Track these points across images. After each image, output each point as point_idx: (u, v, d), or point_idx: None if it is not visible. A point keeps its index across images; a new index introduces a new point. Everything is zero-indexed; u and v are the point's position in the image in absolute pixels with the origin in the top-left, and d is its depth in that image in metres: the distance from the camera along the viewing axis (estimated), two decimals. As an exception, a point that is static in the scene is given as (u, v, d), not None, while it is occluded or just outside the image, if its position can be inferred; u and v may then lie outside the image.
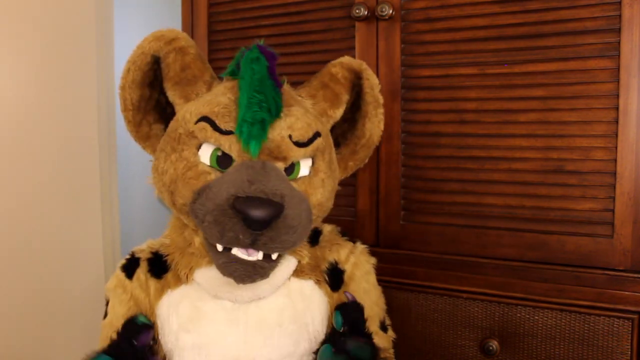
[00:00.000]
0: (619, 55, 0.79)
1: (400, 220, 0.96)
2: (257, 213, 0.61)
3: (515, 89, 0.86)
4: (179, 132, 0.71)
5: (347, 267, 0.79)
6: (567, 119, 0.83)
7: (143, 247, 0.81)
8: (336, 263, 0.78)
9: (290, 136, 0.68)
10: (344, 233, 0.84)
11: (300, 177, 0.71)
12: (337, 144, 0.84)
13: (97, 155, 1.59)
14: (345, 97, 0.80)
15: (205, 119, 0.68)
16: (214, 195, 0.65)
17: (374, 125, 0.82)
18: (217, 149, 0.69)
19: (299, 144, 0.69)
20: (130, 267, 0.78)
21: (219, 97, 0.70)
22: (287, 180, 0.68)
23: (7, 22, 1.37)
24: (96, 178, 1.59)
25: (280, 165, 0.69)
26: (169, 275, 0.76)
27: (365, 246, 0.83)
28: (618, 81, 0.80)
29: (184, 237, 0.76)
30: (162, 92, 0.77)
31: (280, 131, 0.68)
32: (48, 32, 1.45)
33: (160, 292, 0.76)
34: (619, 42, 0.79)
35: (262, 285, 0.72)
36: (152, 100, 0.78)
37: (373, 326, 0.79)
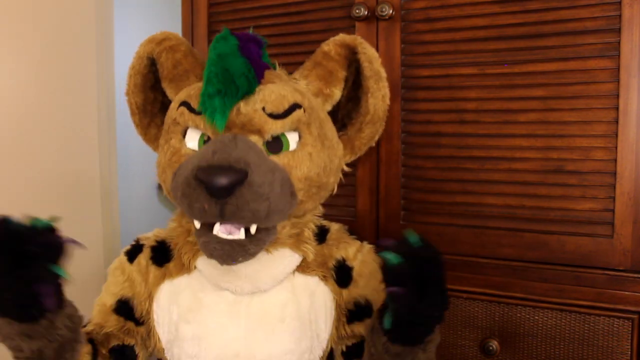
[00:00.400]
0: (619, 55, 0.79)
1: (400, 220, 0.96)
2: (218, 180, 0.61)
3: (515, 89, 0.86)
4: (168, 123, 0.73)
5: (355, 264, 0.78)
6: (567, 119, 0.83)
7: (149, 235, 0.82)
8: (344, 260, 0.78)
9: (263, 108, 0.68)
10: (351, 232, 0.84)
11: (284, 152, 0.70)
12: (344, 125, 0.82)
13: (97, 154, 1.59)
14: (341, 74, 0.78)
15: (183, 103, 0.70)
16: (182, 170, 0.66)
17: (377, 100, 0.78)
18: (204, 134, 0.70)
19: (274, 116, 0.68)
20: (133, 252, 0.80)
21: (198, 83, 0.72)
22: (260, 151, 0.67)
23: (7, 22, 1.37)
24: (96, 177, 1.59)
25: (257, 139, 0.68)
26: (171, 265, 0.77)
27: (372, 246, 0.82)
28: (618, 81, 0.80)
29: (185, 224, 0.77)
30: (165, 94, 0.79)
31: (254, 105, 0.68)
32: (48, 32, 1.45)
33: (160, 280, 0.77)
34: (619, 42, 0.79)
35: (262, 278, 0.72)
36: (157, 102, 0.81)
37: None
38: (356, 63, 0.78)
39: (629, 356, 0.81)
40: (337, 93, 0.79)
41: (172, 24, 1.61)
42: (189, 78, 0.77)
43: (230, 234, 0.65)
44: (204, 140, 0.70)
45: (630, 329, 0.81)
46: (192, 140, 0.70)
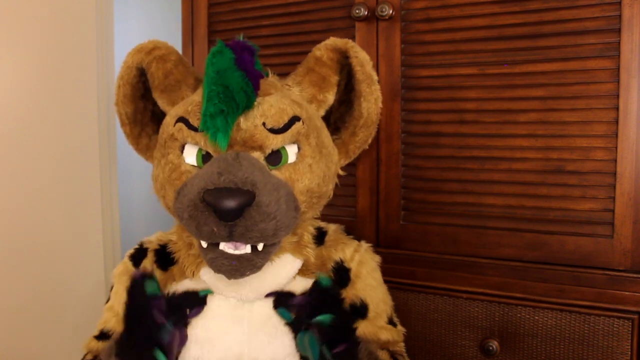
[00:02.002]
0: (619, 56, 0.79)
1: (400, 220, 0.96)
2: (226, 203, 0.61)
3: (515, 89, 0.86)
4: (164, 137, 0.72)
5: (353, 265, 0.78)
6: (567, 119, 0.83)
7: (152, 239, 0.82)
8: (342, 261, 0.78)
9: (264, 124, 0.67)
10: (348, 232, 0.83)
11: (284, 165, 0.70)
12: (337, 129, 0.82)
13: (97, 155, 1.59)
14: (334, 79, 0.78)
15: (181, 119, 0.69)
16: (187, 191, 0.65)
17: (370, 103, 0.78)
18: (201, 148, 0.69)
19: (274, 131, 0.68)
20: (137, 257, 0.80)
21: (194, 97, 0.71)
22: (264, 168, 0.67)
23: (7, 22, 1.37)
24: (96, 178, 1.59)
25: (258, 155, 0.68)
26: (175, 268, 0.77)
27: (369, 245, 0.82)
28: (618, 81, 0.80)
29: (185, 238, 0.77)
30: (156, 103, 0.78)
31: (254, 120, 0.67)
32: (48, 32, 1.45)
33: (166, 284, 0.77)
34: (619, 42, 0.79)
35: (265, 285, 0.72)
36: (147, 112, 0.80)
37: (381, 322, 0.79)
38: (348, 67, 0.78)
39: (629, 356, 0.81)
40: (331, 98, 0.78)
41: (172, 24, 1.62)
42: (181, 88, 0.76)
43: (236, 249, 0.66)
44: (202, 155, 0.69)
45: (630, 329, 0.80)
46: (190, 156, 0.70)
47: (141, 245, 0.81)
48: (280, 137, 0.68)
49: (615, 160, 0.81)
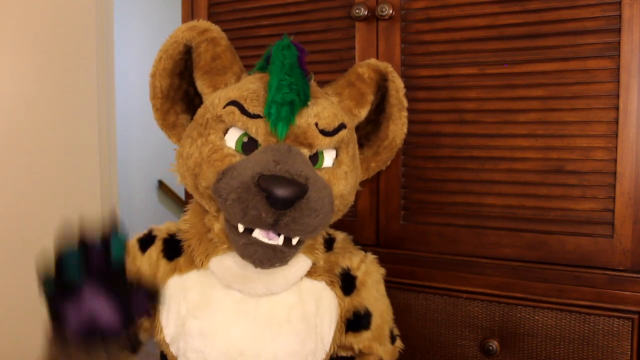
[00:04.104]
0: (619, 55, 0.79)
1: (400, 220, 0.96)
2: (282, 191, 0.62)
3: (515, 89, 0.86)
4: (207, 117, 0.72)
5: (359, 274, 0.79)
6: (567, 119, 0.83)
7: (161, 227, 0.82)
8: (349, 269, 0.79)
9: (316, 124, 0.69)
10: (355, 242, 0.85)
11: (324, 167, 0.72)
12: (361, 145, 0.84)
13: (97, 155, 1.59)
14: (370, 97, 0.81)
15: (233, 102, 0.70)
16: (238, 174, 0.66)
17: (397, 127, 0.83)
18: (244, 134, 0.70)
19: (324, 133, 0.70)
20: (145, 243, 0.80)
21: (248, 84, 0.72)
22: (312, 166, 0.69)
23: (7, 22, 1.37)
24: (96, 178, 1.59)
25: (305, 152, 0.69)
26: (181, 260, 0.77)
27: (375, 256, 0.83)
28: (618, 81, 0.80)
29: (204, 222, 0.76)
30: (191, 83, 0.79)
31: (307, 118, 0.69)
32: (48, 33, 1.45)
33: (168, 275, 0.77)
34: (619, 42, 0.79)
35: (276, 281, 0.73)
36: (180, 90, 0.80)
37: (383, 334, 0.80)
38: (383, 89, 0.82)
39: (629, 356, 0.81)
40: (364, 114, 0.81)
41: (172, 24, 1.61)
42: (226, 74, 0.76)
43: (270, 239, 0.66)
44: (243, 142, 0.70)
45: (630, 329, 0.81)
46: (231, 140, 0.70)
47: (150, 232, 0.82)
48: (328, 139, 0.70)
49: (615, 160, 0.81)
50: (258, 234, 0.66)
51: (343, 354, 0.79)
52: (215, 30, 0.77)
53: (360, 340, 0.78)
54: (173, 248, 0.78)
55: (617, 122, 0.80)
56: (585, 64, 0.82)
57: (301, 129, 0.68)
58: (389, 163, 0.87)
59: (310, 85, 0.73)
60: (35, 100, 1.43)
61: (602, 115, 0.81)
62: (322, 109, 0.71)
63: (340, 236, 0.83)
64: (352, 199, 0.77)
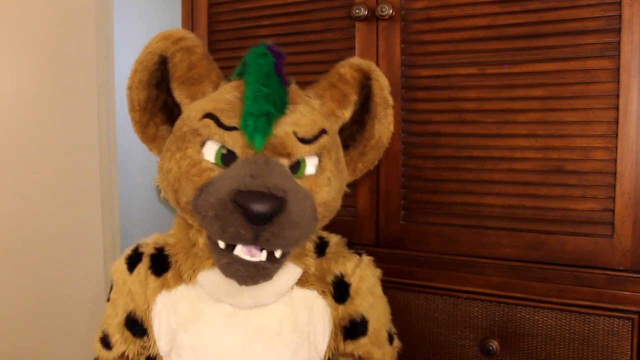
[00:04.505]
0: (619, 55, 0.79)
1: (400, 220, 0.96)
2: (259, 207, 0.60)
3: (515, 89, 0.86)
4: (184, 131, 0.71)
5: (354, 281, 0.78)
6: (567, 119, 0.83)
7: (149, 241, 0.81)
8: (342, 276, 0.77)
9: (295, 132, 0.68)
10: (350, 244, 0.83)
11: (306, 175, 0.70)
12: (346, 146, 0.82)
13: (97, 155, 1.59)
14: (353, 98, 0.79)
15: (209, 115, 0.68)
16: (215, 190, 0.64)
17: (383, 126, 0.80)
18: (222, 146, 0.68)
19: (304, 141, 0.68)
20: (132, 261, 0.79)
21: (224, 95, 0.70)
22: (291, 177, 0.67)
23: (7, 22, 1.37)
24: (96, 178, 1.59)
25: (285, 162, 0.68)
26: (169, 275, 0.76)
27: (371, 258, 0.81)
28: (618, 81, 0.80)
29: (189, 237, 0.75)
30: (169, 94, 0.77)
31: (285, 127, 0.67)
32: (48, 33, 1.45)
33: (157, 290, 0.76)
34: (619, 42, 0.79)
35: (265, 292, 0.71)
36: (159, 101, 0.78)
37: (381, 337, 0.79)
38: (367, 88, 0.79)
39: (629, 356, 0.81)
40: (347, 115, 0.79)
41: (172, 24, 1.61)
42: (203, 83, 0.74)
43: (253, 256, 0.65)
44: (222, 154, 0.68)
45: (630, 329, 0.81)
46: (210, 153, 0.68)
47: (137, 248, 0.80)
48: (307, 147, 0.68)
49: (615, 160, 0.81)
50: (240, 251, 0.65)
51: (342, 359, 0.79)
52: (191, 38, 0.74)
53: (359, 347, 0.78)
54: (161, 263, 0.77)
55: (617, 122, 0.80)
56: (585, 64, 0.82)
57: (279, 138, 0.67)
58: (376, 163, 0.84)
59: (289, 91, 0.71)
60: (35, 100, 1.43)
61: (602, 115, 0.81)
62: (301, 116, 0.69)
63: (334, 239, 0.81)
64: (337, 204, 0.75)
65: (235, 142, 0.67)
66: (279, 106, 0.67)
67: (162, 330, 0.75)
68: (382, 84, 0.78)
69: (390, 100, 0.80)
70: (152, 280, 0.77)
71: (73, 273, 1.54)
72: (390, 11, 0.92)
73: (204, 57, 0.75)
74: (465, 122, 0.90)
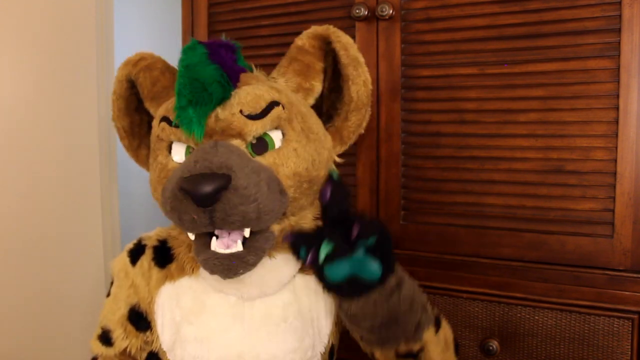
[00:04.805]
0: (619, 55, 0.79)
1: (400, 220, 0.96)
2: (200, 188, 0.60)
3: (515, 89, 0.86)
4: (153, 140, 0.74)
5: None
6: (567, 119, 0.83)
7: (151, 234, 0.82)
8: None
9: (241, 111, 0.67)
10: None
11: (269, 151, 0.69)
12: (331, 117, 0.81)
13: (97, 155, 1.59)
14: (318, 66, 0.77)
15: (163, 118, 0.71)
16: (169, 184, 0.66)
17: (358, 86, 0.76)
18: (188, 146, 0.70)
19: (252, 117, 0.68)
20: (135, 254, 0.80)
21: (174, 96, 0.72)
22: (243, 154, 0.67)
23: (7, 22, 1.37)
24: (96, 178, 1.59)
25: (239, 143, 0.68)
26: (173, 266, 0.77)
27: None
28: (618, 81, 0.80)
29: (185, 238, 0.77)
30: (150, 114, 0.80)
31: (231, 109, 0.67)
32: (48, 33, 1.45)
33: (161, 282, 0.76)
34: (619, 42, 0.79)
35: (269, 282, 0.72)
36: (144, 124, 0.83)
37: None
38: (332, 52, 0.77)
39: (629, 356, 0.81)
40: (318, 86, 0.78)
41: (172, 24, 1.62)
42: (169, 94, 0.76)
43: (228, 247, 0.65)
44: (190, 152, 0.70)
45: (630, 329, 0.81)
46: (178, 154, 0.70)
47: (140, 241, 0.81)
48: (259, 122, 0.68)
49: (615, 160, 0.81)
50: (215, 246, 0.65)
51: None
52: (149, 56, 0.79)
53: None
54: (164, 255, 0.78)
55: (617, 122, 0.80)
56: (585, 64, 0.82)
57: (226, 121, 0.67)
58: (364, 126, 0.80)
59: (239, 77, 0.70)
60: (35, 101, 1.43)
61: (602, 115, 0.81)
62: (245, 94, 0.68)
63: None
64: (318, 173, 0.73)
65: (187, 136, 0.68)
66: (217, 92, 0.66)
67: (166, 323, 0.75)
68: (345, 43, 0.75)
69: (360, 58, 0.76)
70: (156, 272, 0.77)
71: (73, 273, 1.54)
72: (390, 11, 0.92)
73: (165, 70, 0.79)
74: (465, 122, 0.90)
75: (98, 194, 1.60)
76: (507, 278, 0.88)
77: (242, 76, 0.72)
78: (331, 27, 0.76)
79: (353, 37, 0.96)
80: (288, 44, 1.02)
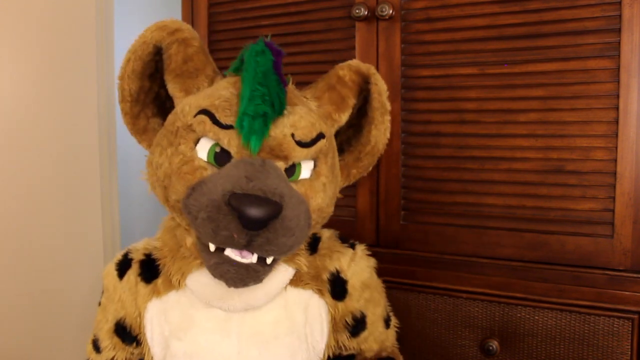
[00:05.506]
0: (619, 55, 0.79)
1: (400, 220, 0.96)
2: (255, 212, 0.58)
3: (515, 89, 0.86)
4: (177, 126, 0.68)
5: (350, 277, 0.76)
6: (567, 119, 0.83)
7: (138, 247, 0.79)
8: (338, 272, 0.76)
9: (293, 135, 0.65)
10: (342, 238, 0.81)
11: (301, 180, 0.68)
12: (341, 151, 0.81)
13: (97, 155, 1.59)
14: (351, 101, 0.77)
15: (204, 111, 0.65)
16: (208, 190, 0.62)
17: (380, 132, 0.78)
18: (216, 144, 0.65)
19: (301, 144, 0.66)
20: (122, 267, 0.77)
21: (221, 91, 0.68)
22: (287, 181, 0.65)
23: (7, 22, 1.37)
24: (96, 177, 1.59)
25: (281, 165, 0.66)
26: (159, 281, 0.74)
27: (363, 247, 0.80)
28: (618, 81, 0.80)
29: (176, 237, 0.73)
30: (162, 85, 0.74)
31: (283, 129, 0.65)
32: (48, 33, 1.45)
33: (148, 298, 0.74)
34: (619, 42, 0.79)
35: (255, 294, 0.70)
36: (151, 92, 0.76)
37: (378, 327, 0.79)
38: (365, 92, 0.78)
39: (629, 356, 0.81)
40: (344, 119, 0.77)
41: (172, 24, 1.61)
42: (198, 77, 0.72)
43: (243, 257, 0.63)
44: (215, 152, 0.66)
45: (630, 329, 0.81)
46: (203, 150, 0.66)
47: (127, 254, 0.78)
48: (305, 151, 0.66)
49: (615, 160, 0.81)
50: (230, 252, 0.63)
51: (345, 353, 0.79)
52: (187, 30, 0.72)
53: (361, 341, 0.78)
54: (150, 269, 0.75)
55: (617, 122, 0.80)
56: (585, 64, 0.82)
57: (276, 140, 0.64)
58: (370, 169, 0.83)
59: (287, 91, 0.68)
60: (35, 100, 1.43)
61: (602, 115, 0.81)
62: (299, 118, 0.66)
63: (325, 234, 0.79)
64: (330, 210, 0.73)
65: (231, 141, 0.64)
66: (277, 107, 0.64)
67: (155, 338, 0.74)
68: (380, 88, 0.77)
69: (388, 106, 0.78)
70: (142, 287, 0.75)
71: (73, 273, 1.54)
72: (390, 11, 0.92)
73: (201, 51, 0.73)
74: (465, 122, 0.90)
75: (98, 194, 1.60)
76: (507, 278, 0.88)
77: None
78: (372, 67, 0.78)
79: (353, 37, 0.96)
80: (288, 44, 1.02)
